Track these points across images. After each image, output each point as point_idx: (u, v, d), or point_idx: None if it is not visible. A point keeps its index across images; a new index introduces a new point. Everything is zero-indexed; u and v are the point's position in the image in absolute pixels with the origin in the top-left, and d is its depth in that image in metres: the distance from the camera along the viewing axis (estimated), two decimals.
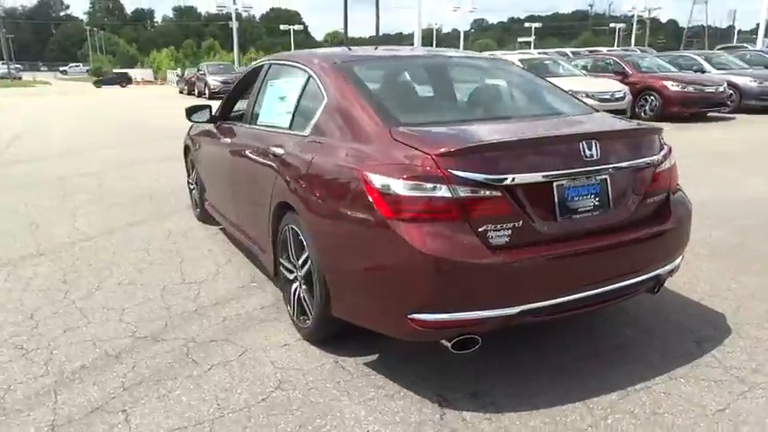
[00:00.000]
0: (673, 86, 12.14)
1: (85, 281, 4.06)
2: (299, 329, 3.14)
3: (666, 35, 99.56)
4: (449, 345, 2.40)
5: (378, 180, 2.38)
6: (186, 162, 5.64)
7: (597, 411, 2.43)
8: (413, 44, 30.88)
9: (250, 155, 3.60)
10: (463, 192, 2.27)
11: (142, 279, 4.06)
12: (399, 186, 2.32)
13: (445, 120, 3.00)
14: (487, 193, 2.29)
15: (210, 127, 4.59)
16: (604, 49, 24.21)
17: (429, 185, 2.28)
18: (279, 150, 3.17)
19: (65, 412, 2.50)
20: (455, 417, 2.41)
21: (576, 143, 2.47)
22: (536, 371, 2.75)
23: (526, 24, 67.28)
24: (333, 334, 2.94)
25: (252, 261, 4.28)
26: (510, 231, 2.34)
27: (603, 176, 2.54)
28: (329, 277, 2.70)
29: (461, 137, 2.55)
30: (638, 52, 20.80)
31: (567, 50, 28.90)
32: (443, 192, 2.27)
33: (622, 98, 11.44)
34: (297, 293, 3.11)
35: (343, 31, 36.31)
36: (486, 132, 2.62)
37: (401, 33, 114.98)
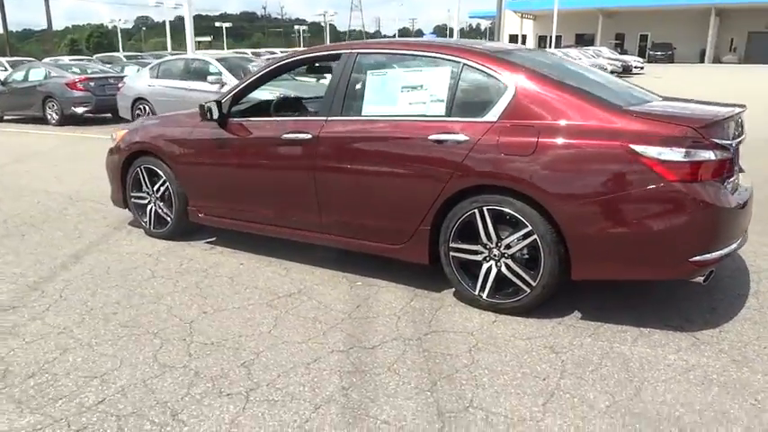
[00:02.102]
0: None
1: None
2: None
3: (331, 39, 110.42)
4: (701, 279, 2.99)
5: (653, 150, 2.82)
6: (122, 176, 4.78)
7: None
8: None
9: (386, 145, 3.50)
10: (719, 155, 2.89)
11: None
12: (678, 154, 2.81)
13: (617, 103, 3.21)
14: (726, 154, 2.96)
15: (213, 128, 4.10)
16: (278, 51, 26.37)
17: (701, 151, 2.84)
18: (455, 137, 3.23)
19: None
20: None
21: (738, 118, 3.30)
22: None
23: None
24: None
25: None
26: (731, 184, 3.08)
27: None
28: (578, 245, 2.99)
29: (700, 113, 3.19)
30: None
31: (247, 51, 30.36)
32: (710, 155, 2.85)
33: None
34: (492, 272, 3.26)
35: None
36: (701, 110, 3.31)
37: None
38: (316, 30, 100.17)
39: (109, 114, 13.30)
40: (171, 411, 2.44)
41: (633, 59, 33.22)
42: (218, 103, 4.10)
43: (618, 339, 3.01)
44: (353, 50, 3.79)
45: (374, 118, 3.60)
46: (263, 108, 4.63)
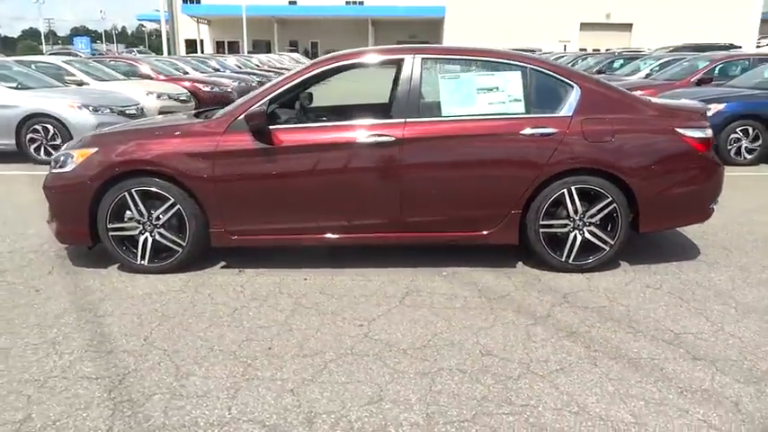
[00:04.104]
0: (204, 88, 13.56)
1: None
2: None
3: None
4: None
5: (690, 132, 3.93)
6: (91, 205, 3.91)
7: None
8: None
9: (476, 142, 3.85)
10: (711, 131, 4.16)
11: None
12: (702, 133, 3.98)
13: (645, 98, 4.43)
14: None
15: (251, 137, 3.81)
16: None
17: (707, 130, 4.05)
18: (546, 130, 3.83)
19: None
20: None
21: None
22: None
23: None
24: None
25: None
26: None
27: None
28: (645, 206, 3.91)
29: (692, 105, 4.40)
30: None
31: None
32: (710, 132, 4.09)
33: (188, 99, 12.04)
34: (577, 240, 3.97)
35: None
36: (689, 103, 4.57)
37: None
38: None
39: None
40: None
41: None
42: (263, 111, 3.77)
43: (662, 271, 4.08)
44: (415, 55, 3.98)
45: (458, 118, 3.90)
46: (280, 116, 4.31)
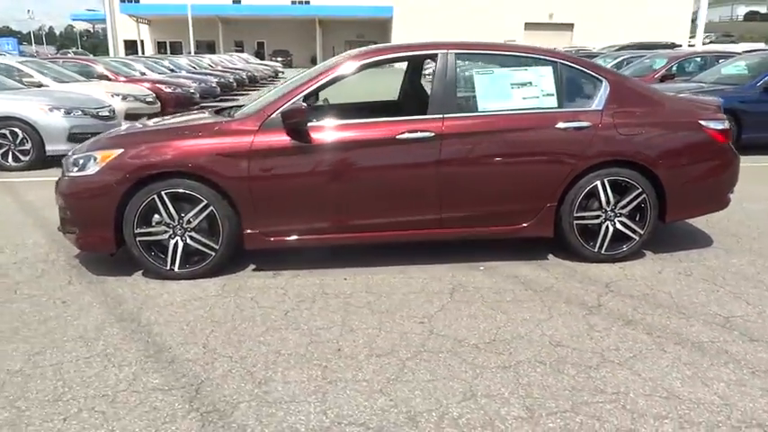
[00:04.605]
0: (166, 89, 13.09)
1: None
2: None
3: None
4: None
5: (712, 124, 4.09)
6: (117, 210, 3.71)
7: None
8: None
9: (513, 137, 3.87)
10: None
11: None
12: (722, 125, 4.14)
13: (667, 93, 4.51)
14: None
15: (287, 134, 3.72)
16: None
17: (727, 122, 4.23)
18: (580, 123, 3.90)
19: None
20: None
21: None
22: None
23: None
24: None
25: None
26: None
27: None
28: (673, 197, 4.04)
29: (710, 99, 4.59)
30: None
31: None
32: (728, 124, 4.27)
33: (154, 101, 11.58)
34: (609, 231, 4.06)
35: None
36: (706, 98, 4.71)
37: None
38: None
39: None
40: None
41: (276, 65, 35.78)
42: (304, 108, 3.68)
43: (686, 259, 4.23)
44: (449, 50, 3.97)
45: (495, 113, 3.92)
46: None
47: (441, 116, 3.84)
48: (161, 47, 54.01)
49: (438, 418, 2.39)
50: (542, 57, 4.07)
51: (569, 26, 47.32)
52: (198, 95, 14.46)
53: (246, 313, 3.37)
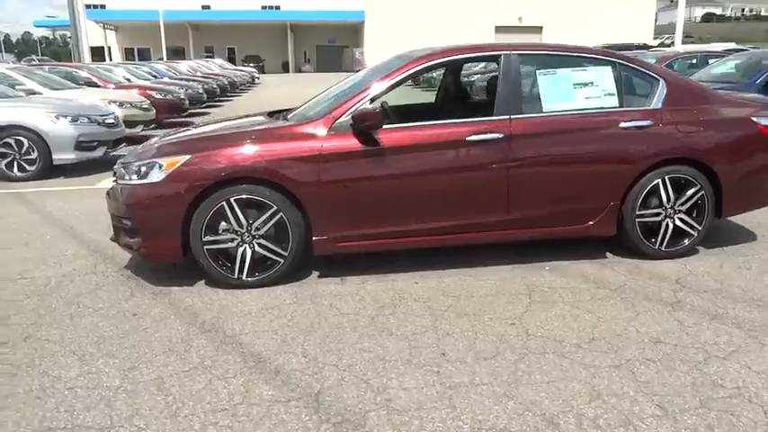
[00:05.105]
0: (157, 95, 12.79)
1: None
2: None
3: None
4: None
5: (763, 120, 4.18)
6: (185, 217, 3.60)
7: None
8: None
9: (580, 137, 3.90)
10: None
11: None
12: None
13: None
14: None
15: (358, 138, 3.67)
16: None
17: None
18: (643, 122, 3.95)
19: None
20: None
21: None
22: None
23: None
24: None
25: None
26: None
27: None
28: (729, 192, 4.10)
29: (755, 95, 4.67)
30: None
31: None
32: None
33: (149, 108, 11.30)
34: (669, 228, 4.12)
35: None
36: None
37: None
38: None
39: None
40: None
41: (253, 71, 35.41)
42: (379, 111, 3.64)
43: (739, 253, 4.32)
44: (512, 51, 3.98)
45: (561, 113, 3.94)
46: None
47: (507, 117, 3.84)
48: (129, 53, 52.92)
49: (576, 419, 2.38)
50: (601, 57, 4.11)
51: (538, 28, 48.07)
52: (187, 102, 14.20)
53: (332, 320, 3.30)
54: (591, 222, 4.03)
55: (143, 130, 10.67)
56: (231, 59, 51.46)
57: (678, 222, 4.13)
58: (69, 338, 3.13)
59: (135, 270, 4.11)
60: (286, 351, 2.96)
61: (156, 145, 3.94)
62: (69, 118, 7.64)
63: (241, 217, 3.64)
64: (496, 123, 3.83)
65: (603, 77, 4.04)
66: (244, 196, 3.61)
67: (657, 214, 4.10)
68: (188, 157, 3.61)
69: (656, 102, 4.06)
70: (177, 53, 49.05)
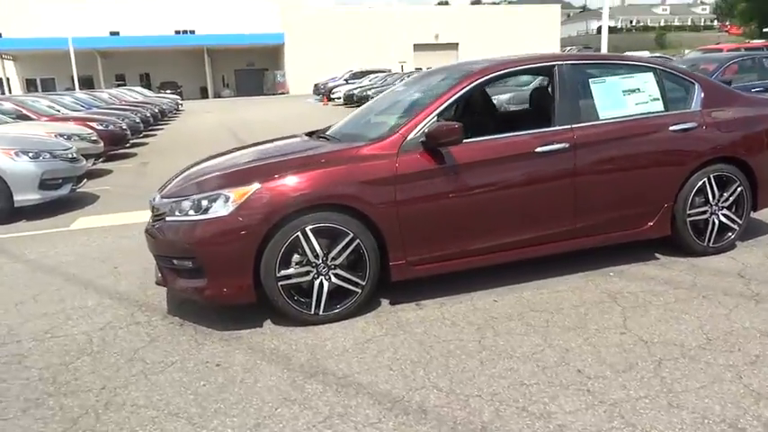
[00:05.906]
0: (98, 126, 11.96)
1: None
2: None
3: None
4: None
5: None
6: (257, 254, 3.33)
7: None
8: None
9: (636, 142, 3.96)
10: None
11: None
12: None
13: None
14: None
15: (428, 155, 3.56)
16: None
17: None
18: (689, 125, 4.07)
19: None
20: None
21: None
22: None
23: None
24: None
25: None
26: None
27: None
28: (763, 187, 4.31)
29: None
30: None
31: None
32: None
33: (97, 140, 10.49)
34: (716, 226, 4.25)
35: None
36: None
37: None
38: None
39: None
40: None
41: (176, 97, 34.12)
42: (457, 126, 3.52)
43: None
44: (564, 62, 3.99)
45: (616, 120, 3.98)
46: None
47: (569, 126, 3.84)
48: (30, 84, 49.70)
49: (758, 421, 2.34)
50: (642, 63, 4.22)
51: (454, 45, 49.68)
52: (129, 132, 13.42)
53: (438, 348, 3.12)
54: (650, 224, 4.09)
55: (94, 164, 9.95)
56: (146, 86, 49.52)
57: (722, 218, 4.28)
58: (159, 399, 2.77)
59: (183, 316, 3.74)
60: (416, 387, 2.75)
61: (208, 177, 3.61)
62: (31, 154, 6.96)
63: (317, 247, 3.40)
64: (560, 134, 3.81)
65: (647, 83, 4.14)
66: (322, 225, 3.37)
67: (704, 212, 4.22)
68: (257, 186, 3.33)
69: (696, 104, 4.20)
70: (86, 82, 46.51)
